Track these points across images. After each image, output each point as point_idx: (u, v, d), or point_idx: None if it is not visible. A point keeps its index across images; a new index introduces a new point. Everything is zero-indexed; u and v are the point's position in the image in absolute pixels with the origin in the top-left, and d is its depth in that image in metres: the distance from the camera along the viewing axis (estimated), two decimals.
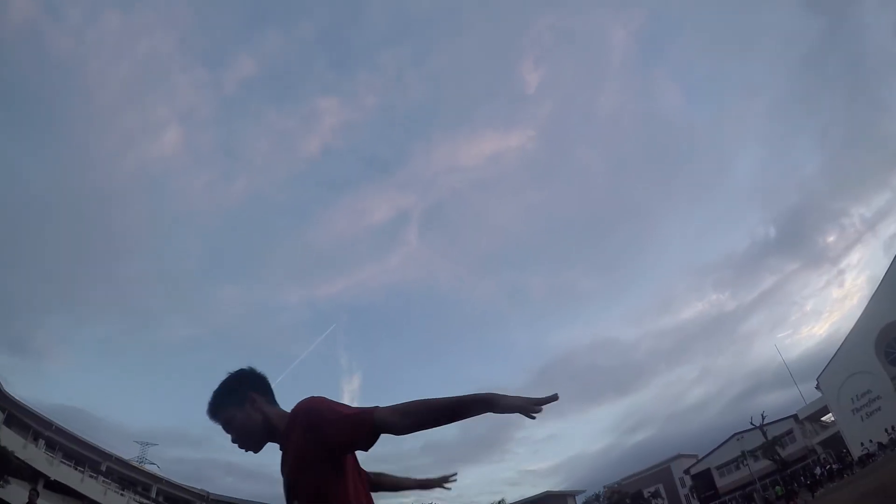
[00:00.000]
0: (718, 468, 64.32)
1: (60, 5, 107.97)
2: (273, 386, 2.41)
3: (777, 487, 45.94)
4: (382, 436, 2.08)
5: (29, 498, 10.32)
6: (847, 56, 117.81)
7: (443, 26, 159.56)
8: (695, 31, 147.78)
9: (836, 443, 48.88)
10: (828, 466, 44.17)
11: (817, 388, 51.55)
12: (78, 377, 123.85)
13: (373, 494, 2.36)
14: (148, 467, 54.04)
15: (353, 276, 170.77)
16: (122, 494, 44.25)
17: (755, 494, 51.32)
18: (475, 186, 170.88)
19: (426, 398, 1.98)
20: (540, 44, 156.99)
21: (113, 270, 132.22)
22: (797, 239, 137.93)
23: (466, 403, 1.93)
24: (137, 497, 46.13)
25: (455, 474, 3.24)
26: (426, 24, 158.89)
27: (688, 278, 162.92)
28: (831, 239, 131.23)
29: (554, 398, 2.03)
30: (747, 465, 56.34)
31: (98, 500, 41.24)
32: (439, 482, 3.16)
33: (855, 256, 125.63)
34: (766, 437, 52.34)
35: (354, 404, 2.19)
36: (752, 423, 53.24)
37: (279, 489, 2.31)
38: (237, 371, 2.43)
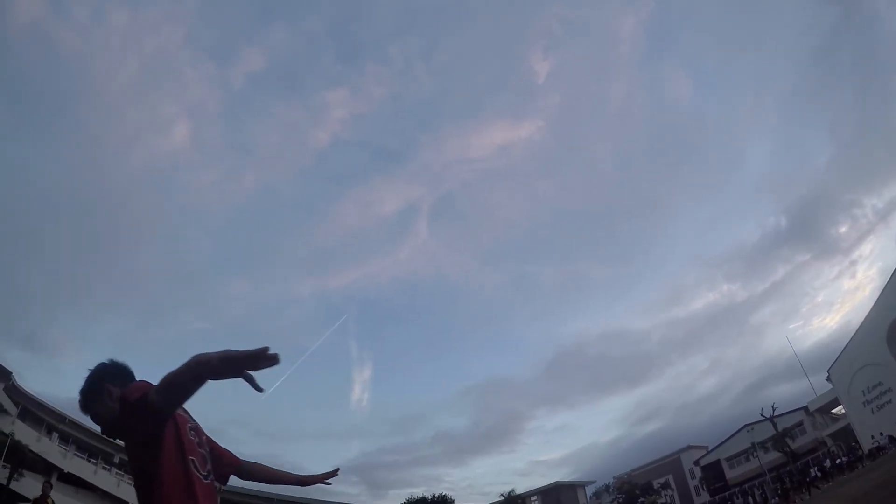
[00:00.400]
0: (728, 460, 64.21)
1: (67, 3, 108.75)
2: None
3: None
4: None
5: (42, 490, 10.51)
6: (859, 47, 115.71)
7: (451, 17, 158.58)
8: (705, 22, 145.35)
9: (846, 435, 48.53)
10: (837, 460, 43.86)
11: (828, 379, 51.16)
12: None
13: (293, 487, 2.45)
14: None
15: (363, 268, 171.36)
16: (134, 486, 44.99)
17: (754, 490, 51.26)
18: (485, 177, 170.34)
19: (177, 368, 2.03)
20: (549, 34, 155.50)
21: (125, 265, 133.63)
22: (808, 230, 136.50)
23: (203, 362, 1.93)
24: None
25: (337, 470, 3.33)
26: (434, 15, 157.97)
27: (699, 269, 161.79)
28: (843, 230, 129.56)
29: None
30: (757, 456, 56.11)
31: (111, 491, 41.99)
32: (321, 478, 3.22)
33: (867, 247, 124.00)
34: (776, 429, 52.06)
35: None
36: (762, 415, 52.97)
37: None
38: (96, 366, 2.56)
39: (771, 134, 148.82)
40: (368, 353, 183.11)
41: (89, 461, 42.04)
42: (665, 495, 71.96)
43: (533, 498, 78.52)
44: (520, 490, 77.53)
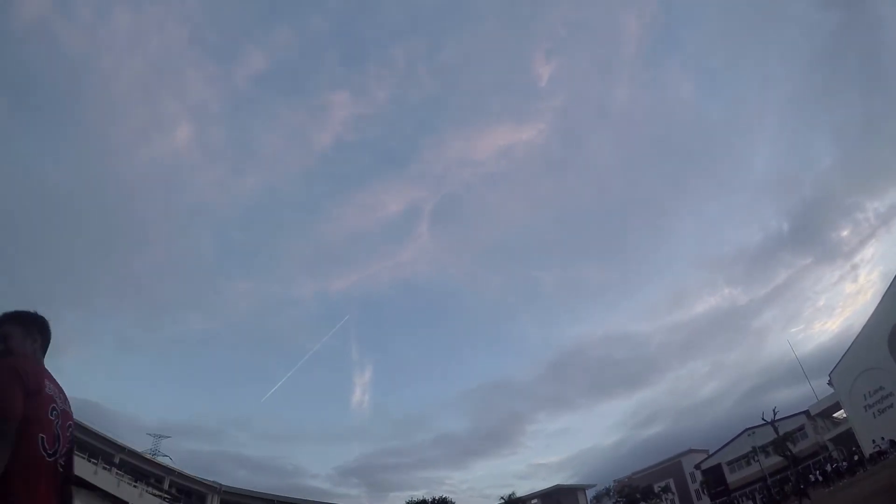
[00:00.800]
0: (729, 464, 64.04)
1: (72, 4, 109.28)
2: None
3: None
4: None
5: None
6: (863, 50, 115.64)
7: (454, 19, 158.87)
8: (708, 24, 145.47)
9: (847, 439, 48.35)
10: (835, 465, 43.75)
11: (829, 384, 51.01)
12: (92, 371, 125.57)
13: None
14: (161, 459, 54.93)
15: (365, 270, 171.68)
16: (134, 486, 45.00)
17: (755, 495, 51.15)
18: (487, 180, 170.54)
19: None
20: (552, 36, 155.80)
21: (127, 266, 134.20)
22: (811, 233, 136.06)
23: None
24: (150, 489, 46.89)
25: None
26: (437, 18, 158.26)
27: (701, 272, 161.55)
28: (845, 233, 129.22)
29: None
30: (758, 460, 56.00)
31: (111, 491, 41.97)
32: None
33: (869, 251, 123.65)
34: (777, 433, 51.87)
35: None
36: (763, 419, 52.76)
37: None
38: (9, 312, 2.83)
39: (774, 137, 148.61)
40: (370, 355, 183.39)
41: (89, 461, 42.00)
42: (666, 499, 71.88)
43: (533, 501, 78.53)
44: (520, 493, 77.52)
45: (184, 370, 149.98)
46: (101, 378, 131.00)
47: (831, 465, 44.66)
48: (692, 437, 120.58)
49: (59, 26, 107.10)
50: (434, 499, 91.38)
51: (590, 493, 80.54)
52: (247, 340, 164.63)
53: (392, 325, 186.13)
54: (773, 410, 52.07)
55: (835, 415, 55.04)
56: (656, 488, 72.42)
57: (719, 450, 67.26)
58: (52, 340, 3.01)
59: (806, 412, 56.79)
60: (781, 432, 52.30)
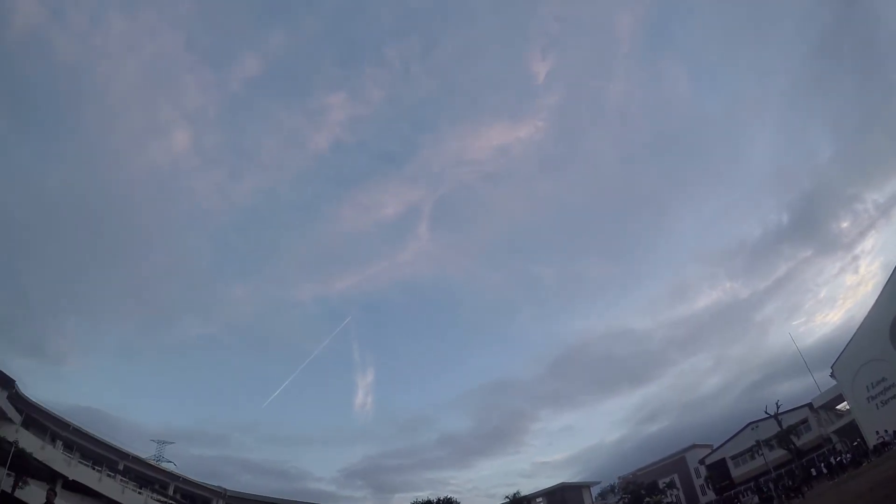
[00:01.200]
0: (733, 458, 64.06)
1: (66, 11, 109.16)
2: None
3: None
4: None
5: (47, 497, 10.52)
6: (861, 42, 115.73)
7: (449, 18, 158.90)
8: (704, 17, 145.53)
9: (851, 431, 48.35)
10: (839, 457, 43.75)
11: (832, 376, 50.97)
12: (95, 378, 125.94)
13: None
14: (165, 465, 54.97)
15: (364, 271, 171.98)
16: (139, 493, 44.96)
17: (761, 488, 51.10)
18: (485, 178, 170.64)
19: None
20: (547, 34, 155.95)
21: (127, 272, 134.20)
22: (810, 225, 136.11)
23: None
24: (155, 495, 46.89)
25: None
26: (431, 16, 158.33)
27: (701, 267, 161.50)
28: (845, 225, 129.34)
29: None
30: (762, 454, 56.04)
31: (116, 498, 41.95)
32: None
33: (869, 242, 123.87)
34: (780, 426, 51.93)
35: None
36: (766, 412, 52.81)
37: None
38: None
39: (772, 130, 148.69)
40: (372, 357, 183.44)
41: (94, 468, 41.99)
42: (671, 495, 71.88)
43: (538, 499, 78.60)
44: (525, 492, 77.53)
45: (186, 375, 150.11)
46: (103, 385, 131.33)
47: (835, 458, 44.66)
48: (696, 432, 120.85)
49: (54, 33, 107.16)
50: (439, 499, 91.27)
51: (594, 491, 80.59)
52: (249, 344, 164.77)
53: (393, 325, 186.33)
54: (776, 404, 52.15)
55: (838, 407, 55.02)
56: (661, 484, 72.46)
57: (723, 444, 67.35)
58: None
59: (809, 405, 56.82)
60: (785, 425, 52.39)
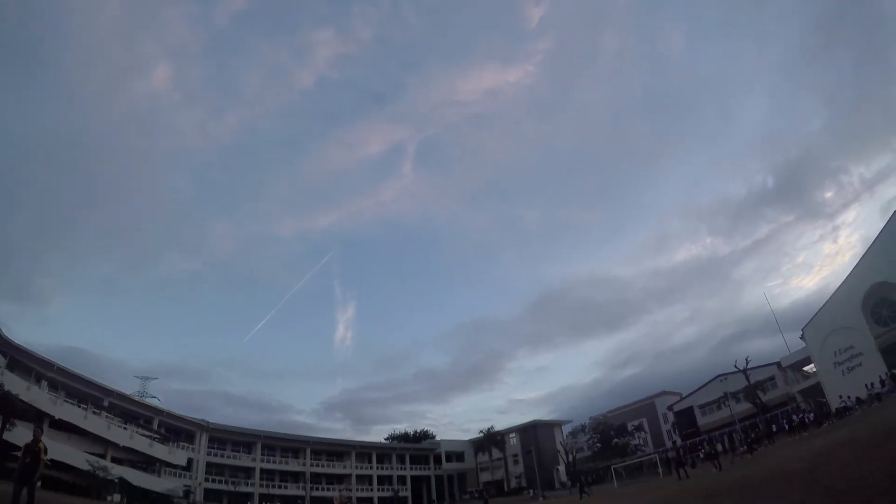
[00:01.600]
0: (701, 407, 66.78)
1: None
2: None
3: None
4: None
5: (34, 434, 10.64)
6: (863, 18, 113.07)
7: None
8: None
9: (815, 392, 50.47)
10: (801, 416, 45.80)
11: (802, 338, 52.62)
12: (78, 318, 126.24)
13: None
14: (149, 401, 55.92)
15: (347, 208, 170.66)
16: (124, 428, 45.97)
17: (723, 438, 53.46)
18: (472, 120, 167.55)
19: None
20: None
21: (109, 210, 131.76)
22: (795, 191, 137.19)
23: None
24: (140, 430, 47.96)
25: None
26: None
27: (684, 220, 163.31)
28: (829, 195, 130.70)
29: None
30: (728, 406, 58.46)
31: (102, 434, 42.93)
32: None
33: (851, 214, 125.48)
34: (748, 381, 53.97)
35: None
36: (735, 367, 54.69)
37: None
38: None
39: (765, 95, 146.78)
40: (352, 293, 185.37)
41: (79, 406, 42.66)
42: (638, 437, 75.24)
43: (511, 435, 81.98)
44: (499, 427, 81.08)
45: (169, 312, 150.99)
46: (87, 325, 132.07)
47: (798, 416, 46.74)
48: (667, 379, 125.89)
49: None
50: (416, 432, 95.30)
51: (566, 429, 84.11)
52: (231, 280, 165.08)
53: (375, 263, 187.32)
54: (746, 359, 54.00)
55: (805, 368, 57.10)
56: (630, 427, 75.66)
57: (692, 393, 69.98)
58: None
59: (777, 363, 58.91)
60: (753, 381, 54.45)
